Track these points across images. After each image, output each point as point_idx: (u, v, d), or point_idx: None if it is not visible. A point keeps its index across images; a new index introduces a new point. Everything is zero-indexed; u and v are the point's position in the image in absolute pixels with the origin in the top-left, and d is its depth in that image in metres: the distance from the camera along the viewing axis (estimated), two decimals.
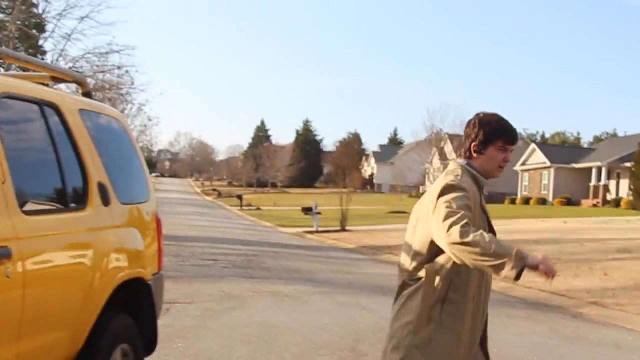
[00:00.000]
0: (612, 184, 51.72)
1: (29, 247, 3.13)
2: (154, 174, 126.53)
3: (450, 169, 3.55)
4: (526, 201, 57.10)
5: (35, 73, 4.41)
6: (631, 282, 13.04)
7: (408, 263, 3.43)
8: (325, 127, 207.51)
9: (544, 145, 69.43)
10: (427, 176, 71.21)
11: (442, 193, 3.31)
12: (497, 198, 60.41)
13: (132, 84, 31.86)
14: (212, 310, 9.35)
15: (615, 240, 20.45)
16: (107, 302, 3.71)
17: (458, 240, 3.07)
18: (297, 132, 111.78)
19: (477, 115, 3.64)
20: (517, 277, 3.06)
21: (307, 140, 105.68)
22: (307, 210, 32.51)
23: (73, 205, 3.74)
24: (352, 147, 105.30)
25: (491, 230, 3.50)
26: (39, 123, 3.56)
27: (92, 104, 4.42)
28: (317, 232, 28.88)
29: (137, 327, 4.06)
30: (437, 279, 3.29)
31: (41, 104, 3.60)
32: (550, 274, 3.10)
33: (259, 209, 55.68)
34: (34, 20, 31.17)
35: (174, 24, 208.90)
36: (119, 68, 30.29)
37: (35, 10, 31.39)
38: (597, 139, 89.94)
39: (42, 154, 3.61)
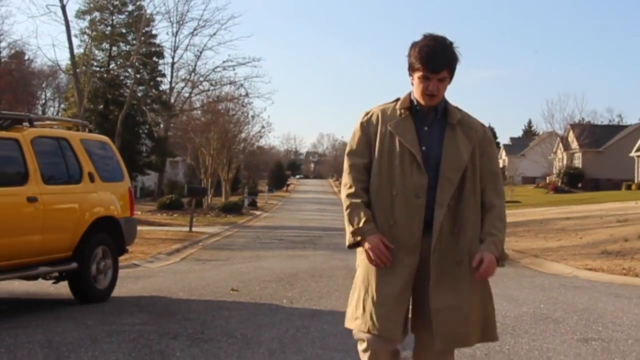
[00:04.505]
0: None
1: (47, 197, 7.45)
2: (297, 176, 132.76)
3: None
4: None
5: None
6: (589, 240, 16.24)
7: None
8: None
9: None
10: (553, 167, 72.30)
11: None
12: (616, 184, 60.85)
13: (246, 94, 37.30)
14: (232, 263, 13.51)
15: None
16: (92, 224, 7.92)
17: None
18: None
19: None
20: (350, 246, 3.41)
21: None
22: None
23: (72, 181, 8.06)
24: None
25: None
26: (56, 146, 7.95)
27: (89, 135, 8.96)
28: None
29: (111, 240, 8.33)
30: None
31: (57, 138, 8.05)
32: (374, 258, 3.26)
33: None
34: (153, 49, 37.12)
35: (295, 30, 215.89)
36: (231, 83, 35.82)
37: (153, 40, 37.48)
38: None
39: (57, 158, 7.94)
